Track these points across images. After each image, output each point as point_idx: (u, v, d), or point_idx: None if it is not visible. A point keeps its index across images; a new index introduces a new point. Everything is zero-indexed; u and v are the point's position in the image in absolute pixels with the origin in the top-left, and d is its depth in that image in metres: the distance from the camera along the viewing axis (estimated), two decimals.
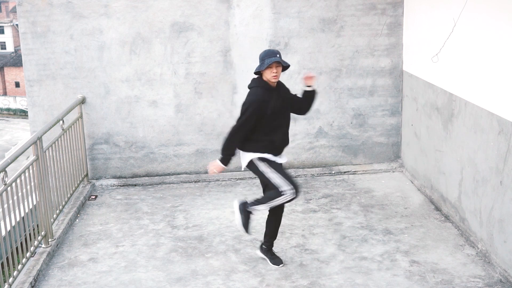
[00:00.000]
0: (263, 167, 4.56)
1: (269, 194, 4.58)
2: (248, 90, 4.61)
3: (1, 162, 4.40)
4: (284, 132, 4.66)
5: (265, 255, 4.91)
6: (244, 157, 4.65)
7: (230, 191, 6.56)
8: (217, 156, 6.63)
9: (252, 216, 4.66)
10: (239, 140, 4.54)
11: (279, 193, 4.49)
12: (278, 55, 4.44)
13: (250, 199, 4.71)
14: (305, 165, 7.11)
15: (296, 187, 4.49)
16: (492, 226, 4.74)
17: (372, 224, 5.58)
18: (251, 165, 4.62)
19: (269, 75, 4.46)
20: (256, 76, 4.61)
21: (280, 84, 4.67)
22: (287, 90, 4.76)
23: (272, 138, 4.56)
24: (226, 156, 4.56)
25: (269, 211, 4.75)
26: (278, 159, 4.63)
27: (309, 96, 4.81)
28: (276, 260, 4.85)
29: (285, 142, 4.69)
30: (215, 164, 4.60)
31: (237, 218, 4.63)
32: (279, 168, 4.56)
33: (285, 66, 4.53)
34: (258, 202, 4.60)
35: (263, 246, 4.93)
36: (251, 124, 4.47)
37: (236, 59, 6.73)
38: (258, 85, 4.53)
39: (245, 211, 4.62)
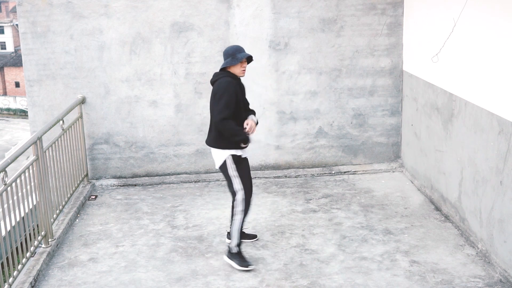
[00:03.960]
0: (234, 171, 4.73)
1: (234, 205, 4.81)
2: (213, 84, 4.73)
3: (1, 162, 4.40)
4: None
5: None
6: (217, 156, 4.77)
7: None
8: None
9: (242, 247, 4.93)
10: (234, 124, 4.61)
11: (238, 198, 4.77)
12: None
13: (228, 241, 4.94)
14: (305, 165, 7.11)
15: (249, 190, 4.76)
16: (492, 226, 4.74)
17: (372, 224, 5.58)
18: (223, 166, 4.76)
19: (239, 70, 4.68)
20: (219, 71, 4.77)
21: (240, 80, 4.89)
22: (244, 88, 4.93)
23: None
24: (240, 139, 4.65)
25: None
26: (244, 154, 4.82)
27: None
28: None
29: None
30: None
31: (235, 265, 4.79)
32: (245, 170, 4.76)
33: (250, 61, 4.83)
34: (233, 223, 4.78)
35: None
36: (233, 107, 4.59)
37: None
38: (227, 75, 4.68)
39: (232, 254, 4.80)
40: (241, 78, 4.83)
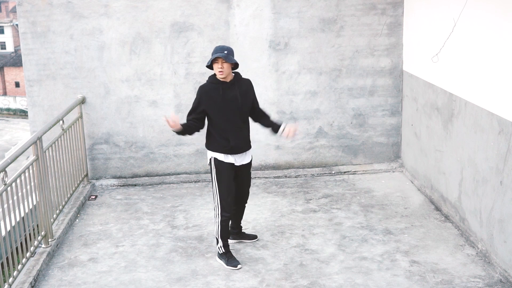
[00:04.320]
0: (214, 175, 4.74)
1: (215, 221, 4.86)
2: None
3: (1, 162, 4.40)
4: (240, 133, 4.71)
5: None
6: (207, 155, 4.84)
7: None
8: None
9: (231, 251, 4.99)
10: (192, 129, 4.65)
11: (216, 216, 4.82)
12: (225, 52, 4.49)
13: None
14: (305, 165, 7.11)
15: (224, 199, 4.71)
16: (492, 226, 4.74)
17: (372, 224, 5.58)
18: (209, 166, 4.80)
19: (215, 70, 4.58)
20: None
21: (240, 82, 4.71)
22: (249, 91, 4.76)
23: (227, 136, 4.64)
24: (180, 130, 4.56)
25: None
26: (238, 160, 4.74)
27: (272, 128, 4.85)
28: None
29: (242, 143, 4.73)
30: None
31: (224, 265, 4.86)
32: (225, 177, 4.69)
33: (232, 63, 4.59)
34: (216, 240, 4.91)
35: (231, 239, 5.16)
36: (197, 114, 4.62)
37: (236, 59, 6.72)
38: (207, 81, 4.69)
39: (220, 254, 4.89)
40: (245, 80, 4.76)
